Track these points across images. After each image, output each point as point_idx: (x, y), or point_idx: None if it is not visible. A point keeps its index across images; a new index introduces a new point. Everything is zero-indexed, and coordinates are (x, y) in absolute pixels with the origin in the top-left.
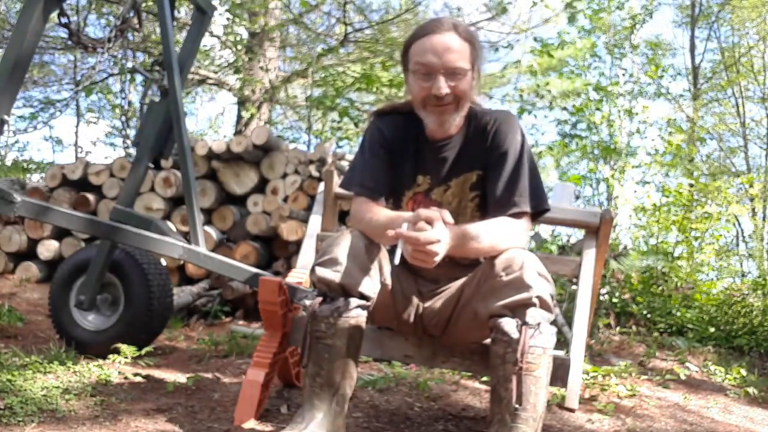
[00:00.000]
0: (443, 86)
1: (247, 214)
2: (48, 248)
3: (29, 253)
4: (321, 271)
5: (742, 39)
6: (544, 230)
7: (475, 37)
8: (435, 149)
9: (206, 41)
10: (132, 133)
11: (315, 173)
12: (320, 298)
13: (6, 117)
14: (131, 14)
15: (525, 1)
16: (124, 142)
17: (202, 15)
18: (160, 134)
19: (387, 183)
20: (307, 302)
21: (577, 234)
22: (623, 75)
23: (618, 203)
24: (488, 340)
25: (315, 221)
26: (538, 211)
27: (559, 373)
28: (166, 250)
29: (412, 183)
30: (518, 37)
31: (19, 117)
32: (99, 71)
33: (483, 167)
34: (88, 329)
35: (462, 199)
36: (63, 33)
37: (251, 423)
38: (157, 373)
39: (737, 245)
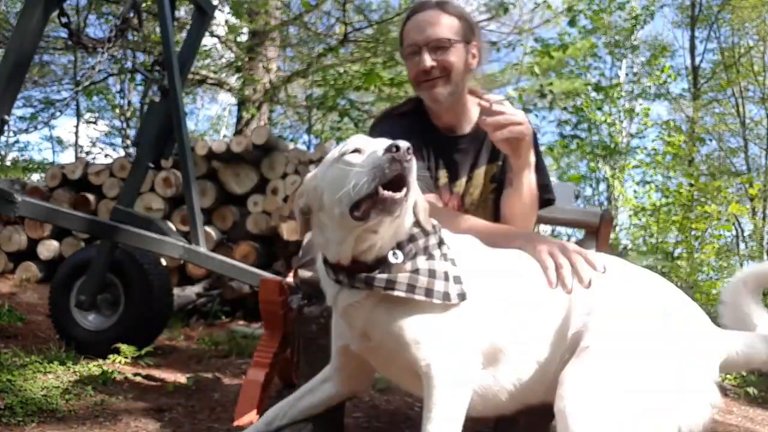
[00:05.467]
0: (427, 59)
1: (247, 214)
2: (48, 248)
3: (29, 253)
4: (305, 273)
5: (742, 39)
6: (544, 230)
7: (466, 14)
8: (452, 141)
9: (206, 41)
10: (132, 133)
11: None
12: (306, 300)
13: (6, 117)
14: (131, 14)
15: (525, 1)
16: (123, 142)
17: (202, 15)
18: (160, 134)
19: None
20: (294, 305)
21: (577, 234)
22: (625, 75)
23: (618, 203)
24: None
25: None
26: (546, 200)
27: None
28: (166, 250)
29: (432, 178)
30: (519, 37)
31: (19, 117)
32: (99, 71)
33: (504, 158)
34: (88, 329)
35: (484, 191)
36: (63, 33)
37: (251, 423)
38: (157, 373)
39: (737, 245)
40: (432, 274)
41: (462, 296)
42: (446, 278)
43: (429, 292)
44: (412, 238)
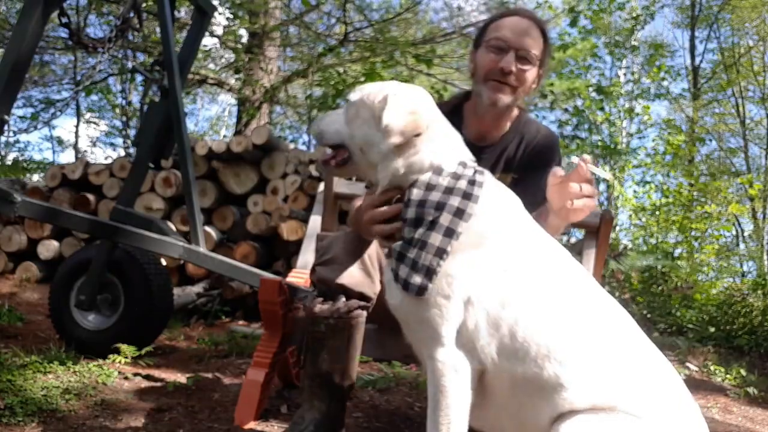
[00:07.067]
0: (512, 62)
1: (247, 214)
2: (48, 248)
3: (29, 253)
4: (322, 271)
5: (742, 39)
6: None
7: (549, 40)
8: (476, 149)
9: (206, 41)
10: (132, 133)
11: (315, 173)
12: (320, 299)
13: (6, 117)
14: (131, 14)
15: (525, 1)
16: (124, 142)
17: (202, 15)
18: (160, 134)
19: None
20: (307, 303)
21: (577, 234)
22: (624, 75)
23: (618, 203)
24: None
25: (315, 221)
26: None
27: None
28: (166, 250)
29: None
30: None
31: (20, 117)
32: (99, 71)
33: (521, 171)
34: (88, 329)
35: None
36: (63, 33)
37: (251, 423)
38: (157, 373)
39: (737, 245)
40: (400, 257)
41: (421, 290)
42: (414, 267)
43: (396, 277)
44: (426, 186)
